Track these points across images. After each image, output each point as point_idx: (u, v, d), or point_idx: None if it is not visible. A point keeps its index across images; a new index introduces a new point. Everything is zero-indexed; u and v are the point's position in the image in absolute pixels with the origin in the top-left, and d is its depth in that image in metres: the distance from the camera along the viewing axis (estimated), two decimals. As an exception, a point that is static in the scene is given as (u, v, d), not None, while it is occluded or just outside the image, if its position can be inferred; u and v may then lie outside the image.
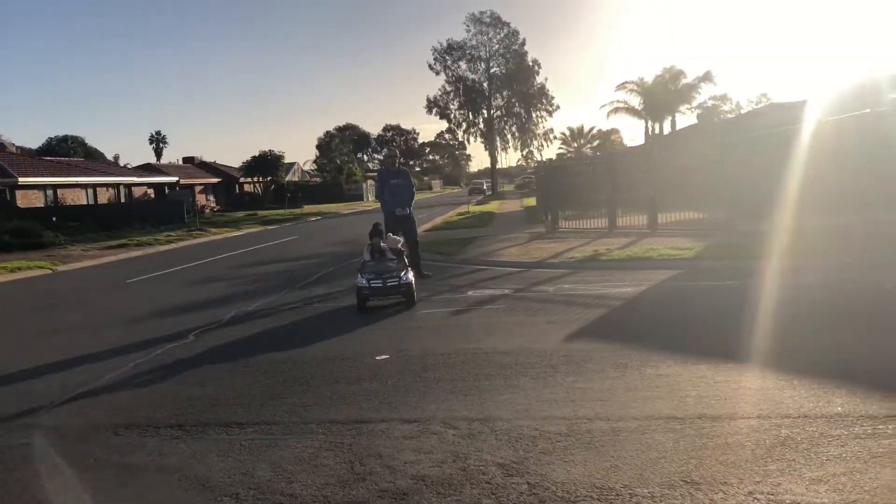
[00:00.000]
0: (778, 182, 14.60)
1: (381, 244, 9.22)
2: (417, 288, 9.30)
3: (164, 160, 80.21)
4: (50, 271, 17.97)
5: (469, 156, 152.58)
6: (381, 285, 8.59)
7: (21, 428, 5.06)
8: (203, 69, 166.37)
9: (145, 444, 4.57)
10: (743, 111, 73.65)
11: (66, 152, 68.14)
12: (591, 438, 4.24)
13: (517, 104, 67.76)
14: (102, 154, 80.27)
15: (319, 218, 40.78)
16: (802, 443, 3.98)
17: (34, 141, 74.02)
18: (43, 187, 37.99)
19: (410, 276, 8.92)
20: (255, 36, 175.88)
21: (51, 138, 79.44)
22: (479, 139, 70.08)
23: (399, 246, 9.47)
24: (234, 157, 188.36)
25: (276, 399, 5.39)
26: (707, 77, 45.62)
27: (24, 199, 36.39)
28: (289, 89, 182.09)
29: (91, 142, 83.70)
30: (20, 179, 35.44)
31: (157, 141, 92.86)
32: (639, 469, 3.77)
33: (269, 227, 33.65)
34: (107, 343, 7.97)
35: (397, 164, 12.39)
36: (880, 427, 4.12)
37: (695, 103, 45.79)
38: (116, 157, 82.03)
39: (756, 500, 3.35)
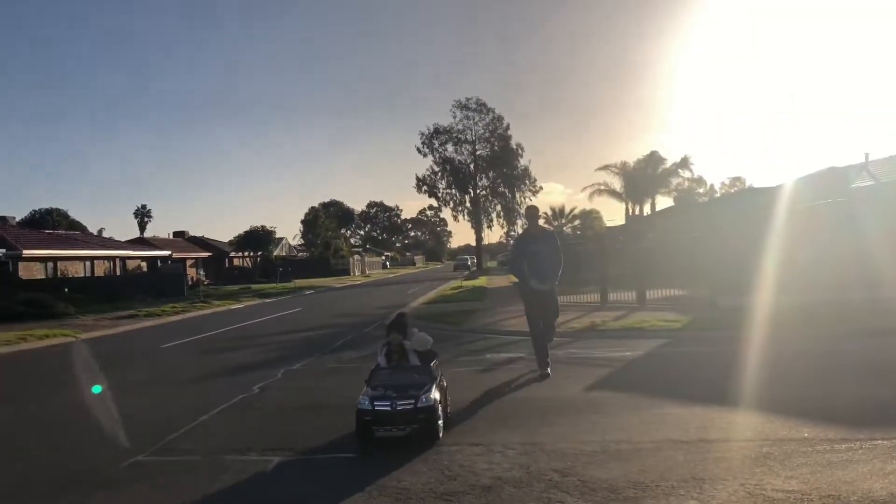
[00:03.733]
0: (754, 262, 16.32)
1: (404, 343, 6.65)
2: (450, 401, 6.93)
3: (147, 234, 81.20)
4: (74, 339, 18.99)
5: (450, 232, 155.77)
6: (388, 409, 5.83)
7: (162, 452, 6.29)
8: (187, 144, 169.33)
9: (271, 461, 5.83)
10: (716, 194, 77.07)
11: (51, 225, 68.99)
12: (620, 454, 5.59)
13: (502, 184, 70.42)
14: (85, 227, 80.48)
15: (313, 292, 42.00)
16: (778, 456, 5.35)
17: (16, 212, 74.62)
18: (44, 259, 39.03)
19: (435, 395, 6.02)
20: (239, 112, 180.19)
21: (34, 210, 79.93)
22: (465, 217, 72.27)
23: (429, 347, 6.77)
24: (218, 231, 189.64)
25: (345, 431, 6.66)
26: (684, 163, 48.51)
27: (25, 271, 37.36)
28: (272, 166, 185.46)
29: (74, 214, 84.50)
30: (24, 252, 36.52)
31: (143, 215, 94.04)
32: (659, 472, 5.11)
33: (268, 301, 34.79)
34: (182, 395, 9.19)
35: (539, 225, 9.94)
36: (836, 446, 5.52)
37: (672, 186, 48.44)
38: (101, 231, 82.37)
39: (745, 489, 4.70)
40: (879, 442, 5.53)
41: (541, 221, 10.80)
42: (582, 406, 7.25)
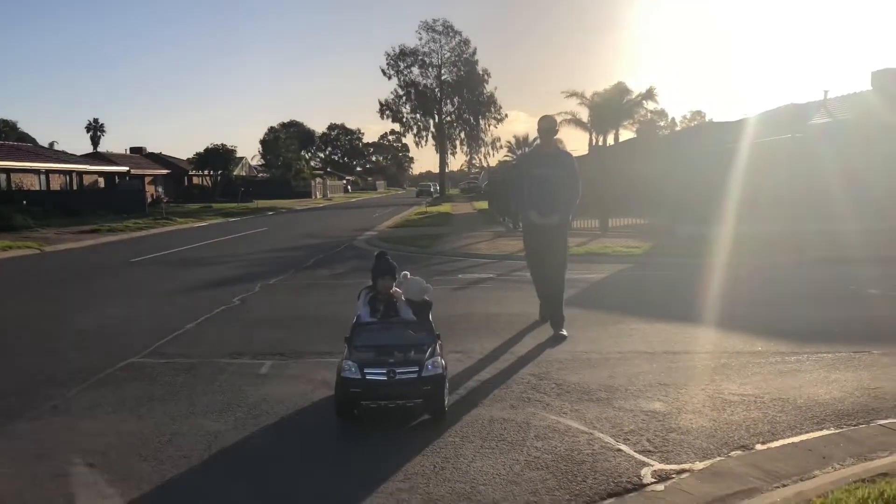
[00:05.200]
0: (714, 193, 16.87)
1: (394, 291, 5.24)
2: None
3: (100, 149, 78.69)
4: (39, 251, 18.84)
5: (412, 158, 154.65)
6: (384, 378, 4.45)
7: (154, 355, 6.56)
8: (141, 55, 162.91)
9: (262, 364, 6.14)
10: (677, 127, 77.79)
11: (-1, 136, 66.29)
12: (590, 362, 6.05)
13: (467, 111, 69.92)
14: (35, 140, 77.60)
15: (273, 213, 41.83)
16: (735, 366, 5.86)
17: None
18: (-5, 171, 37.91)
19: (440, 361, 4.63)
20: (195, 22, 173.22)
21: (-22, 120, 76.59)
22: (429, 142, 71.86)
23: (426, 297, 5.28)
24: (175, 149, 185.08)
25: (329, 340, 7.01)
26: (649, 94, 48.82)
27: (-23, 183, 36.30)
28: (231, 81, 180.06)
29: (23, 127, 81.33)
30: (-26, 163, 35.40)
31: (95, 129, 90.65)
32: (628, 378, 5.58)
33: (231, 220, 34.61)
34: (163, 306, 9.40)
35: (555, 142, 7.85)
36: (786, 358, 6.06)
37: (636, 118, 48.76)
38: (52, 144, 79.45)
39: (705, 392, 5.19)
40: (825, 355, 6.09)
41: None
42: (553, 321, 7.69)
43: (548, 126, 7.30)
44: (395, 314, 5.14)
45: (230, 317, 8.47)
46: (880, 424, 4.48)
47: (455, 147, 73.15)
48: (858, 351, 6.17)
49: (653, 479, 3.76)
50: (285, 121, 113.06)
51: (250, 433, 4.51)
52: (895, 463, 3.81)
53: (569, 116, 47.63)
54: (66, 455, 4.19)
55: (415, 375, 4.47)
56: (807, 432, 4.37)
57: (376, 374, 4.46)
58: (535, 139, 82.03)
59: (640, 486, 3.70)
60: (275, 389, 5.43)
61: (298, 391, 5.38)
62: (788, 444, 4.22)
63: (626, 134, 48.90)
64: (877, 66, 22.86)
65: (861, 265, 11.40)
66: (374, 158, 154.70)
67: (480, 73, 69.16)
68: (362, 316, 5.10)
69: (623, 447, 4.18)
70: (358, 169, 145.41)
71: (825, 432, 4.38)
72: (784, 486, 3.66)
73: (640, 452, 4.10)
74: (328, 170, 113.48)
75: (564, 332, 6.95)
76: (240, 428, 4.59)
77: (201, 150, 63.16)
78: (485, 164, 77.88)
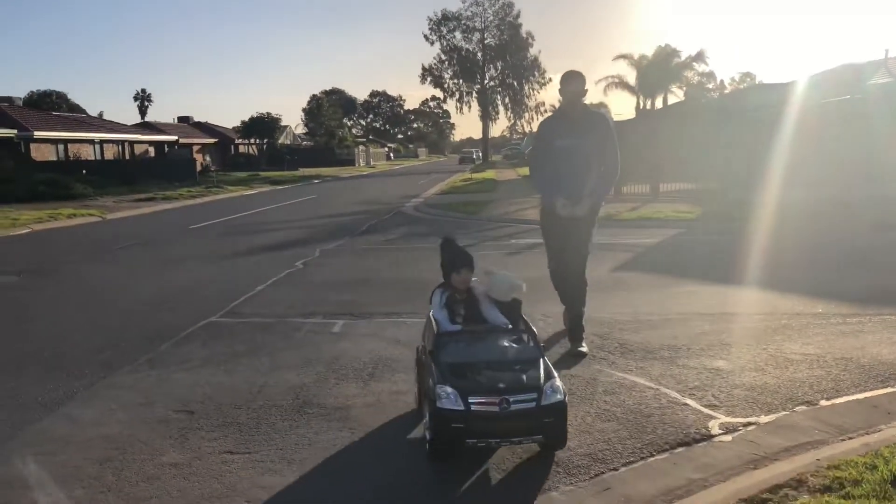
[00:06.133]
0: (765, 158, 16.63)
1: (474, 287, 4.21)
2: None
3: (148, 118, 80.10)
4: (101, 218, 19.56)
5: (454, 124, 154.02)
6: (496, 409, 3.41)
7: (231, 315, 6.93)
8: (185, 25, 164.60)
9: (335, 323, 6.46)
10: (726, 90, 75.84)
11: (51, 107, 68.09)
12: (651, 323, 6.21)
13: (510, 75, 69.23)
14: (85, 110, 79.29)
15: (319, 181, 42.34)
16: (796, 327, 5.96)
17: (13, 92, 72.62)
18: (55, 141, 39.07)
19: (559, 384, 3.54)
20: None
21: (33, 92, 78.36)
22: (472, 108, 71.50)
23: (515, 294, 4.20)
24: (219, 118, 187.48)
25: (394, 301, 7.28)
26: (699, 57, 47.68)
27: (37, 153, 37.48)
28: (274, 50, 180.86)
29: (72, 97, 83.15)
30: (35, 133, 36.52)
31: (143, 99, 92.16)
32: (689, 338, 5.73)
33: (279, 188, 35.20)
34: (230, 270, 9.81)
35: (584, 104, 5.55)
36: (847, 319, 6.12)
37: (685, 81, 47.79)
38: (100, 114, 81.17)
39: (767, 352, 5.31)
40: (887, 316, 6.13)
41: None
42: (611, 285, 7.85)
43: (575, 82, 5.31)
44: (480, 316, 4.07)
45: (296, 280, 8.82)
46: (945, 383, 4.57)
47: (498, 113, 72.61)
48: (921, 313, 6.21)
49: (720, 431, 3.94)
50: (327, 88, 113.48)
51: (333, 385, 4.81)
52: (960, 418, 3.92)
53: (616, 80, 46.88)
54: (167, 403, 4.55)
55: (532, 405, 3.40)
56: (871, 390, 4.48)
57: (484, 403, 3.37)
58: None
59: (709, 437, 3.88)
60: (349, 346, 5.73)
61: (370, 348, 5.67)
62: (853, 400, 4.34)
63: (674, 98, 48.04)
64: (941, 24, 22.00)
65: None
66: (415, 125, 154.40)
67: (524, 36, 68.27)
68: (443, 322, 3.97)
69: (689, 402, 4.36)
70: (399, 136, 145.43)
71: (889, 390, 4.48)
72: (850, 438, 3.80)
73: (706, 407, 4.27)
74: (370, 137, 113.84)
75: (584, 349, 5.40)
76: (322, 381, 4.90)
77: (246, 119, 64.05)
78: (527, 130, 77.25)
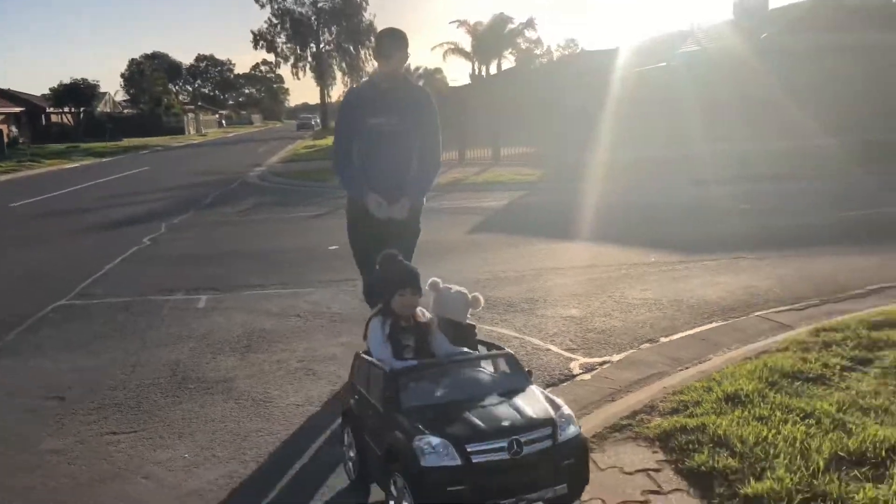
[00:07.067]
0: (592, 121, 17.88)
1: (426, 317, 3.24)
2: None
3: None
4: None
5: (288, 90, 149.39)
6: (505, 456, 2.47)
7: (82, 297, 6.59)
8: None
9: (199, 299, 6.34)
10: (553, 56, 79.36)
11: None
12: (509, 279, 6.67)
13: (346, 40, 68.15)
14: None
15: (149, 151, 39.90)
16: (634, 275, 6.65)
17: None
18: None
19: (570, 413, 2.69)
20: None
21: None
22: (308, 73, 69.80)
23: (473, 309, 3.50)
24: (25, 84, 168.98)
25: (258, 274, 7.26)
26: (530, 23, 49.55)
27: None
28: (85, 8, 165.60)
29: None
30: None
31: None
32: (544, 291, 6.24)
33: (104, 160, 32.83)
34: (71, 250, 9.21)
35: (403, 74, 4.32)
36: (676, 267, 6.92)
37: (518, 47, 49.50)
38: None
39: (612, 298, 5.91)
40: (708, 262, 7.00)
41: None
42: (468, 246, 8.27)
43: (391, 42, 4.08)
44: (429, 348, 3.16)
45: (146, 257, 8.47)
46: (757, 315, 5.34)
47: (335, 78, 71.43)
48: (736, 257, 7.13)
49: (580, 371, 4.41)
50: (148, 52, 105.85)
51: (210, 360, 4.79)
52: (771, 343, 4.64)
53: (453, 46, 47.67)
54: (33, 391, 4.34)
55: (549, 442, 2.58)
56: (700, 326, 5.16)
57: (491, 452, 2.49)
58: (415, 69, 79.73)
59: (571, 377, 4.33)
60: (220, 320, 5.69)
61: (242, 320, 5.66)
62: (687, 336, 4.99)
63: (507, 64, 49.63)
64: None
65: (731, 184, 12.65)
66: (246, 91, 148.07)
67: (358, 0, 67.28)
68: (388, 361, 2.96)
69: (551, 347, 4.81)
70: (230, 102, 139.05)
71: (714, 325, 5.18)
72: (687, 368, 4.40)
73: (566, 350, 4.74)
74: (199, 104, 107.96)
75: None
76: (198, 356, 4.86)
77: (56, 85, 58.54)
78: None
